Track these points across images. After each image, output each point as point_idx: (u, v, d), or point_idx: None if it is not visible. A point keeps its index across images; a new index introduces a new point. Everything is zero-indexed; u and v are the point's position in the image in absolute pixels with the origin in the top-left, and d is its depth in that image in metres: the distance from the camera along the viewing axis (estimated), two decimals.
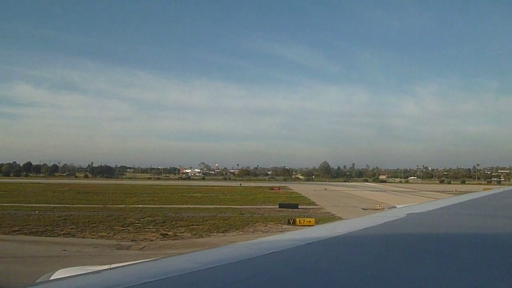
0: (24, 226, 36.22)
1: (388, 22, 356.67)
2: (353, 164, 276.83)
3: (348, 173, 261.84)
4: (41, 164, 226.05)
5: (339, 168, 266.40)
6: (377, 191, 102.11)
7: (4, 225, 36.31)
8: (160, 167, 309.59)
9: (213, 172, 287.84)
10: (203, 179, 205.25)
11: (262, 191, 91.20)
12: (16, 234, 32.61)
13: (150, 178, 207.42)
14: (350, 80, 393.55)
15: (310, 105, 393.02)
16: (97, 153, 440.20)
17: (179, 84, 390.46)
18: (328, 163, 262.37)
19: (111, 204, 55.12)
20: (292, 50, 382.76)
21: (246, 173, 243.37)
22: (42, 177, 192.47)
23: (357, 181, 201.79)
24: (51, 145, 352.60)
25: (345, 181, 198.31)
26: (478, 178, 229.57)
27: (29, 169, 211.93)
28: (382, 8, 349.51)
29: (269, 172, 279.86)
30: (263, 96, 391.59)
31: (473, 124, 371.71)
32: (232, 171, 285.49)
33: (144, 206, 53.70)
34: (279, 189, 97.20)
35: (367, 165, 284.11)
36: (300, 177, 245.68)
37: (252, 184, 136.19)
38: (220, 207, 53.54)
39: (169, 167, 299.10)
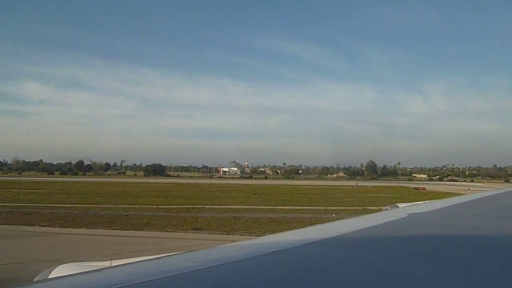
0: None
1: (396, 20, 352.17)
2: (399, 162, 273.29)
3: (393, 172, 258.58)
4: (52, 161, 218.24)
5: (385, 166, 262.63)
6: None
7: None
8: (188, 165, 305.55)
9: (248, 171, 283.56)
10: (266, 178, 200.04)
11: (410, 191, 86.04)
12: None
13: (211, 177, 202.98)
14: (358, 78, 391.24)
15: (318, 103, 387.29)
16: (104, 150, 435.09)
17: (186, 82, 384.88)
18: (374, 162, 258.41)
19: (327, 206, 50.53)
20: (299, 47, 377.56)
21: (296, 172, 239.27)
22: (92, 175, 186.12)
23: (413, 180, 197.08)
24: (62, 142, 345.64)
25: (409, 180, 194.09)
26: None
27: (80, 167, 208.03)
28: (390, 5, 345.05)
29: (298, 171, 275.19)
30: (270, 94, 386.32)
31: (483, 123, 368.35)
32: (263, 169, 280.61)
33: (352, 208, 48.74)
34: (424, 189, 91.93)
35: (406, 165, 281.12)
36: (343, 175, 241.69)
37: (351, 183, 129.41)
38: None
39: (199, 166, 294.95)
